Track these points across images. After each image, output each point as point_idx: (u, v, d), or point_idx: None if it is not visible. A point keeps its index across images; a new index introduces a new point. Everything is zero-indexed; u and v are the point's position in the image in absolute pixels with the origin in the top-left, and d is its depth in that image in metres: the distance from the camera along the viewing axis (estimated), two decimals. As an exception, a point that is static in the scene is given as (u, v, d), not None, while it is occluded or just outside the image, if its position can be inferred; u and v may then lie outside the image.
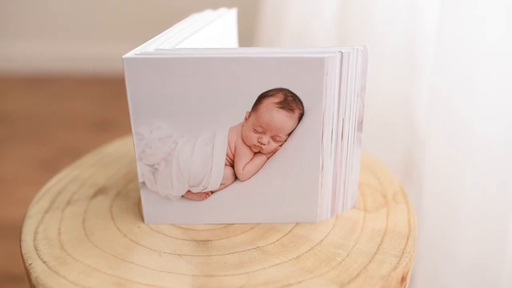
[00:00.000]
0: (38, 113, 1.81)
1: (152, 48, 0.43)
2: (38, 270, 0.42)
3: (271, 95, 0.42)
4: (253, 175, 0.46)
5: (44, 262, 0.43)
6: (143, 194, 0.47)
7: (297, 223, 0.48)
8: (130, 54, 0.42)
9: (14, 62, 2.12)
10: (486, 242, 0.79)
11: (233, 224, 0.48)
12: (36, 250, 0.45)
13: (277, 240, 0.46)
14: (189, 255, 0.44)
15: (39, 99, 1.93)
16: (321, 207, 0.48)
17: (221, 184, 0.46)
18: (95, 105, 1.81)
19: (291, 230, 0.47)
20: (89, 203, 0.51)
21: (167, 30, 0.49)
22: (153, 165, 0.46)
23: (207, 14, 0.55)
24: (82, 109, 1.80)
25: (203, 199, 0.47)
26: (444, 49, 0.74)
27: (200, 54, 0.41)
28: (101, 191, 0.53)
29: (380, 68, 0.93)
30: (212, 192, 0.47)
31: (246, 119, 0.43)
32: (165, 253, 0.44)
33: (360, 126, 0.47)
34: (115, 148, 0.62)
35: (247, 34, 1.93)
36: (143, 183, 0.46)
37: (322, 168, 0.46)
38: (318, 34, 1.22)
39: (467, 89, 0.73)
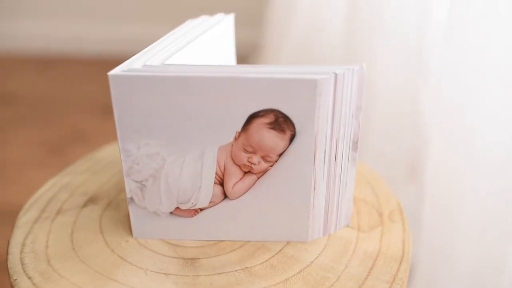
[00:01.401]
0: (46, 95, 1.81)
1: (140, 64, 0.42)
2: (23, 286, 0.42)
3: (262, 116, 0.41)
4: (243, 194, 0.45)
5: (29, 278, 0.43)
6: (131, 209, 0.46)
7: (288, 242, 0.47)
8: (116, 70, 0.40)
9: (24, 42, 2.11)
10: (485, 247, 0.78)
11: (222, 241, 0.47)
12: (22, 264, 0.44)
13: (266, 261, 0.45)
14: (176, 275, 0.43)
15: (48, 81, 1.92)
16: (312, 227, 0.46)
17: (210, 202, 0.45)
18: (105, 88, 1.80)
19: (281, 249, 0.46)
20: (79, 213, 0.51)
21: (159, 40, 0.47)
22: (141, 181, 0.45)
23: (203, 20, 0.53)
24: (91, 92, 1.80)
25: (192, 216, 0.46)
26: (451, 52, 0.72)
27: (188, 73, 0.40)
28: (92, 200, 0.53)
29: (388, 68, 0.91)
30: (201, 209, 0.46)
31: (235, 138, 0.42)
32: (152, 271, 0.44)
33: (355, 146, 0.45)
34: (107, 153, 0.61)
35: (255, 38, 1.90)
36: (131, 198, 0.45)
37: (314, 189, 0.44)
38: (324, 38, 1.19)
39: (472, 94, 0.71)
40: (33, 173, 1.36)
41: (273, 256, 0.45)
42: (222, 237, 0.47)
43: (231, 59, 0.56)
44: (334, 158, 0.44)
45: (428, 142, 0.83)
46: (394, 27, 0.91)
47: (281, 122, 0.41)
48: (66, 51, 2.12)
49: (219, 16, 0.54)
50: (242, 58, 1.93)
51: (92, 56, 2.10)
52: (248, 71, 0.40)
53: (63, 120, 1.63)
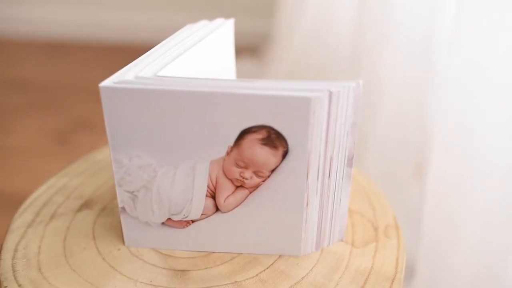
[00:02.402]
0: (56, 81, 1.81)
1: (132, 75, 0.41)
2: (12, 294, 0.42)
3: (254, 132, 0.40)
4: (234, 207, 0.44)
5: (20, 285, 0.43)
6: (123, 219, 0.46)
7: (280, 256, 0.47)
8: (107, 82, 0.40)
9: (35, 26, 2.11)
10: (486, 254, 0.77)
11: (214, 252, 0.47)
12: (14, 270, 0.44)
13: (257, 275, 0.44)
14: (165, 287, 0.43)
15: (59, 67, 1.93)
16: (305, 241, 0.46)
17: (202, 214, 0.45)
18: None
19: (272, 263, 0.46)
20: (73, 218, 0.51)
21: (155, 47, 0.47)
22: (133, 191, 0.44)
23: (202, 25, 0.52)
24: (102, 79, 1.80)
25: (184, 227, 0.46)
26: (458, 53, 0.70)
27: (180, 87, 0.39)
28: (86, 204, 0.53)
29: (395, 68, 0.89)
30: (193, 221, 0.45)
31: (228, 153, 0.42)
32: (141, 282, 0.43)
33: (350, 162, 0.44)
34: (106, 154, 0.61)
35: (267, 28, 1.88)
36: (123, 208, 0.45)
37: (307, 204, 0.44)
38: (334, 30, 1.18)
39: (478, 96, 0.70)
40: (38, 161, 1.37)
41: (264, 271, 0.45)
42: (214, 249, 0.47)
43: (231, 65, 0.55)
44: (328, 175, 0.43)
45: (432, 143, 0.82)
46: (403, 22, 0.90)
47: (274, 139, 0.40)
48: (78, 37, 2.12)
49: (219, 21, 0.54)
50: (254, 48, 1.92)
51: (105, 42, 2.10)
52: (241, 86, 0.39)
53: (72, 107, 1.63)
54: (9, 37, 2.13)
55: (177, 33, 0.51)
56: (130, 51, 1.97)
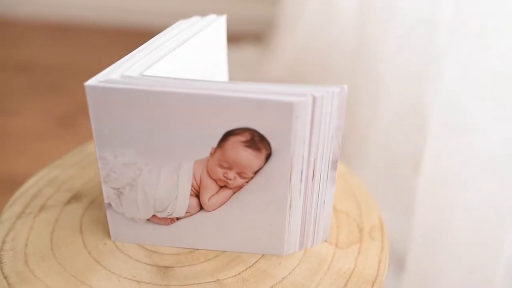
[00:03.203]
0: (61, 64, 1.82)
1: (118, 74, 0.41)
2: (-2, 286, 0.43)
3: (238, 134, 0.40)
4: (218, 206, 0.45)
5: (6, 277, 0.44)
6: (109, 214, 0.46)
7: (263, 255, 0.47)
8: (93, 81, 0.40)
9: (43, 7, 2.11)
10: (479, 253, 0.77)
11: (198, 249, 0.47)
12: (1, 262, 0.45)
13: (239, 274, 0.45)
14: (148, 283, 0.44)
15: (65, 49, 1.93)
16: (288, 241, 0.46)
17: (186, 212, 0.45)
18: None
19: (255, 262, 0.46)
20: (62, 211, 0.51)
21: (145, 44, 0.47)
22: (118, 188, 0.45)
23: (194, 21, 0.52)
24: (109, 63, 1.80)
25: (168, 224, 0.46)
26: (458, 50, 0.70)
27: (164, 88, 0.39)
28: (75, 197, 0.53)
29: (398, 68, 0.89)
30: (177, 218, 0.46)
31: (211, 154, 0.42)
32: (125, 278, 0.44)
33: (334, 165, 0.44)
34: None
35: (271, 15, 1.86)
36: (109, 204, 0.46)
37: (290, 206, 0.44)
38: (337, 19, 1.17)
39: (478, 93, 0.69)
40: (40, 145, 1.38)
41: (246, 269, 0.45)
42: (198, 246, 0.47)
43: (222, 62, 0.55)
44: (311, 177, 0.43)
45: (428, 137, 0.82)
46: (407, 15, 0.89)
47: (257, 141, 0.40)
48: (85, 19, 2.11)
49: (211, 17, 0.53)
50: (259, 35, 1.91)
51: (111, 25, 2.10)
52: (225, 88, 0.39)
53: (76, 91, 1.64)
54: (15, 18, 2.13)
55: (168, 29, 0.51)
56: (138, 36, 1.97)
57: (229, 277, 0.45)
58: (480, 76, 0.69)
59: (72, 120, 1.49)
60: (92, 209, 0.52)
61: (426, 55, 0.88)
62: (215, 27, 0.52)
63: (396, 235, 0.88)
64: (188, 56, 0.48)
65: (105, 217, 0.50)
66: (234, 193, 0.44)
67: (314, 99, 0.39)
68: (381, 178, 1.03)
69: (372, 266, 0.46)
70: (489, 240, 0.75)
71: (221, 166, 0.42)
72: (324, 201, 0.46)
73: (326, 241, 0.49)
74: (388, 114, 1.00)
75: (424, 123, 0.93)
